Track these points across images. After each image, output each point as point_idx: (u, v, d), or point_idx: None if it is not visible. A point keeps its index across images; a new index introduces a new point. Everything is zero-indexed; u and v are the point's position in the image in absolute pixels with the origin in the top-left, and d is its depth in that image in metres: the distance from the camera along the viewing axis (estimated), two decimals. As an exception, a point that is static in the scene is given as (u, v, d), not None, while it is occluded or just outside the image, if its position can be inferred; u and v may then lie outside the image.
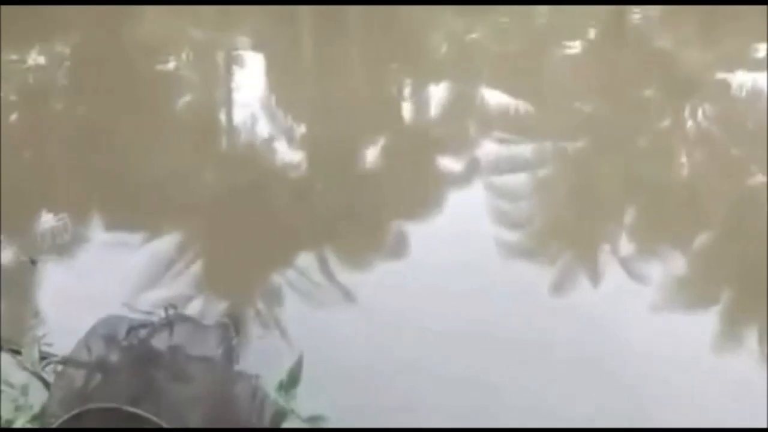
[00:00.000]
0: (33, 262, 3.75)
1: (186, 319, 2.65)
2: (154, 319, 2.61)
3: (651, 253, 4.22)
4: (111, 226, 4.49)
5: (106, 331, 2.49)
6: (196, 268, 4.04)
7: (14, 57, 7.55)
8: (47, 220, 4.48)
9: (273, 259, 4.14)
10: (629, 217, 4.76)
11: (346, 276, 4.00)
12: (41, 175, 5.08)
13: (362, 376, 3.24)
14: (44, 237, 4.31)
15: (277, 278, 3.97)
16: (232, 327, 2.97)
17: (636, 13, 9.51)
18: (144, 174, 5.05)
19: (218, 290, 3.86)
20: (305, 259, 4.11)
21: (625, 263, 4.12)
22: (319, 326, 3.58)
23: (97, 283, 3.78)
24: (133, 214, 4.58)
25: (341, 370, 3.22)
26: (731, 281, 4.05)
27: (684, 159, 5.60)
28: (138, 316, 2.64)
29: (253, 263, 4.11)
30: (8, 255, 4.12)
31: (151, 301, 3.58)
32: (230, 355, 2.59)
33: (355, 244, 4.37)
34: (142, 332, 2.48)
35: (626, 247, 4.30)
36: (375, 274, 4.13)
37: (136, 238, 4.32)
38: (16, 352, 2.76)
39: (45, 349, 2.76)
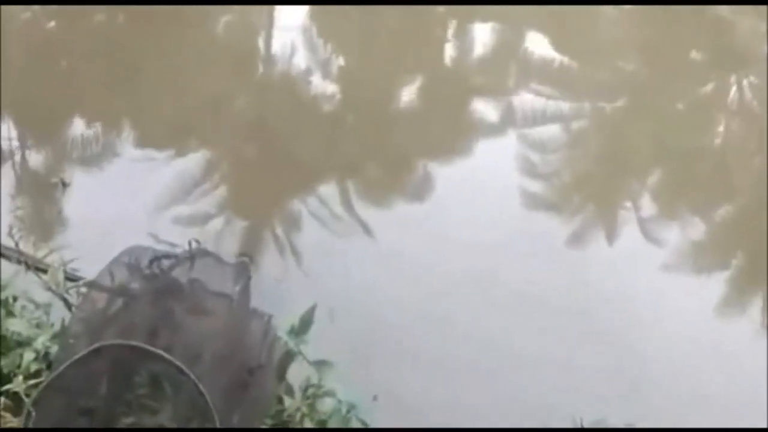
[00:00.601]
0: (64, 184, 3.81)
1: (207, 253, 2.69)
2: (178, 251, 2.65)
3: (671, 216, 4.18)
4: (140, 141, 4.54)
5: (130, 260, 2.54)
6: (221, 189, 4.10)
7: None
8: (79, 127, 4.54)
9: (296, 186, 4.17)
10: (655, 178, 4.70)
11: (366, 211, 4.02)
12: (76, 84, 5.13)
13: (371, 314, 3.28)
14: (74, 144, 4.38)
15: (298, 205, 4.01)
16: (250, 261, 3.02)
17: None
18: (178, 92, 5.08)
19: (239, 211, 3.92)
20: (328, 190, 4.14)
21: (643, 223, 4.09)
22: (335, 256, 3.63)
23: (123, 196, 3.85)
24: (163, 131, 4.63)
25: (352, 303, 3.27)
26: (744, 251, 4.01)
27: (720, 128, 5.47)
28: (162, 247, 2.69)
29: (276, 188, 4.15)
30: (38, 159, 4.20)
31: (176, 218, 3.67)
32: (247, 293, 2.64)
33: (380, 180, 4.39)
34: (165, 263, 2.53)
35: (648, 207, 4.26)
36: (396, 212, 4.15)
37: (164, 155, 4.37)
38: (42, 271, 2.82)
39: (70, 271, 2.82)
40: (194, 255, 2.64)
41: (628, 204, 4.28)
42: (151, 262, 2.55)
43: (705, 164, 4.86)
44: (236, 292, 2.56)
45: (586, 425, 2.68)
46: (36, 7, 6.41)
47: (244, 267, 2.87)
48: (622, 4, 6.94)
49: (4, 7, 5.91)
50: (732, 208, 4.38)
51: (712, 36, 6.91)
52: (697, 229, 4.12)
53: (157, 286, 2.47)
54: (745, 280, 3.76)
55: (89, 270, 2.73)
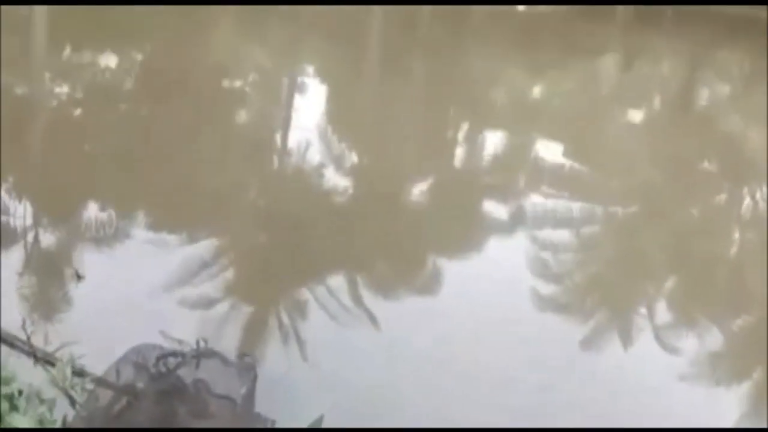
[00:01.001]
0: (79, 277, 3.79)
1: (214, 354, 2.66)
2: (185, 349, 2.62)
3: (687, 323, 4.09)
4: (153, 225, 4.55)
5: (137, 358, 2.52)
6: (228, 272, 4.06)
7: (87, 58, 7.87)
8: (93, 210, 4.57)
9: (304, 275, 4.13)
10: (670, 285, 4.63)
11: (374, 303, 3.95)
12: (95, 168, 5.22)
13: (375, 414, 3.15)
14: (88, 227, 4.39)
15: (305, 294, 3.95)
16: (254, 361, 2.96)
17: (705, 86, 9.43)
18: (194, 181, 5.14)
19: (245, 296, 3.86)
20: (336, 281, 4.09)
21: (658, 330, 3.98)
22: (340, 347, 3.54)
23: (131, 278, 3.81)
24: (176, 217, 4.65)
25: (356, 393, 3.16)
26: (763, 364, 3.87)
27: (735, 237, 5.45)
28: (170, 344, 2.66)
29: (284, 276, 4.11)
30: (50, 239, 4.20)
31: (182, 300, 3.62)
32: (252, 396, 2.60)
33: (389, 273, 4.34)
34: (171, 361, 2.51)
35: (662, 314, 4.17)
36: (404, 306, 4.07)
37: (175, 238, 4.37)
38: (50, 364, 2.78)
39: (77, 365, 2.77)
40: (201, 354, 2.60)
41: (643, 310, 4.19)
42: (157, 359, 2.52)
43: (721, 273, 4.81)
44: (241, 396, 2.51)
45: None
46: (64, 95, 6.66)
47: (250, 368, 2.81)
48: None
49: (34, 95, 6.13)
50: (751, 319, 4.28)
51: (723, 148, 7.04)
52: (714, 339, 4.01)
53: (162, 387, 2.45)
54: (766, 395, 3.61)
55: (94, 357, 2.69)
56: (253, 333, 3.55)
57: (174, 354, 2.55)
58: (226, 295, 3.81)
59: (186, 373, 2.49)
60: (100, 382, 2.50)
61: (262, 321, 3.67)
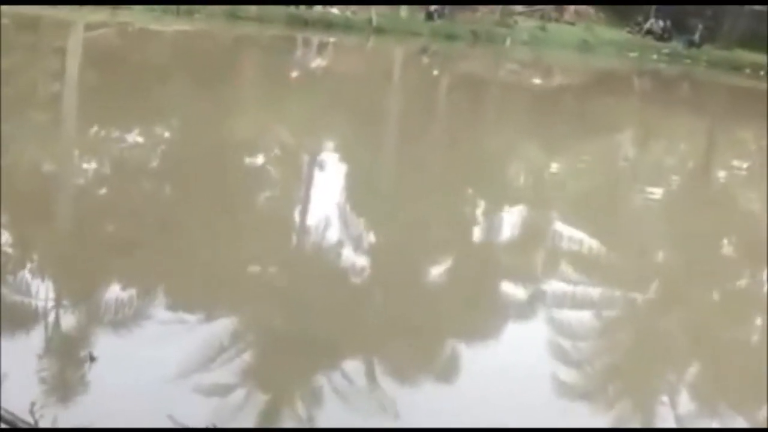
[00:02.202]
0: (92, 359, 3.80)
1: None
2: None
3: (711, 414, 3.98)
4: (172, 305, 4.58)
5: None
6: (245, 356, 4.05)
7: (116, 134, 8.08)
8: (114, 293, 4.61)
9: (321, 358, 4.10)
10: (692, 373, 4.53)
11: (391, 389, 3.91)
12: (117, 248, 5.29)
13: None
14: (108, 308, 4.42)
15: (321, 380, 3.92)
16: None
17: (723, 167, 9.45)
18: (213, 258, 5.19)
19: (261, 383, 3.84)
20: (353, 365, 4.06)
21: (681, 421, 3.88)
22: (356, 434, 3.48)
23: (149, 363, 3.81)
24: (194, 296, 4.67)
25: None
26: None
27: (758, 322, 5.35)
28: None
29: (301, 359, 4.08)
30: (71, 320, 4.22)
31: (196, 387, 3.60)
32: None
33: (406, 358, 4.30)
34: None
35: (685, 404, 4.07)
36: (421, 392, 4.02)
37: (194, 318, 4.38)
38: None
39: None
40: None
41: (665, 399, 4.10)
42: None
43: (743, 360, 4.70)
44: None
45: None
46: (90, 174, 6.80)
47: None
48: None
49: (61, 173, 6.27)
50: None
51: (742, 228, 6.99)
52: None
53: None
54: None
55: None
56: (268, 422, 3.51)
57: None
58: (242, 381, 3.79)
59: None
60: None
61: (277, 409, 3.63)
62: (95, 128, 8.28)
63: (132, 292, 4.60)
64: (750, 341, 5.04)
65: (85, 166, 7.05)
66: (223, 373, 3.82)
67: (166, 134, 8.76)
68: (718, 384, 4.37)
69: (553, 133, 10.46)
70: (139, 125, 8.45)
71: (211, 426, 2.90)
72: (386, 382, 3.97)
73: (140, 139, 8.15)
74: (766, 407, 4.14)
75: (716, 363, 4.59)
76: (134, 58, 13.02)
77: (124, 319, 4.31)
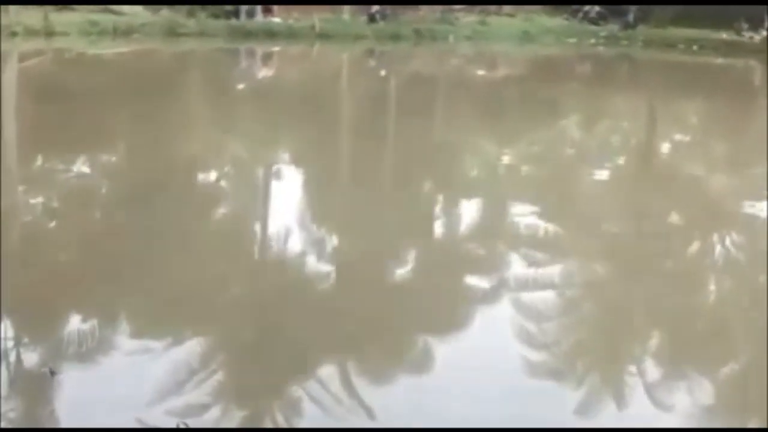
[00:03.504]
0: (52, 373, 3.74)
1: None
2: None
3: (678, 379, 4.11)
4: (137, 332, 4.53)
5: None
6: (218, 376, 4.03)
7: (60, 165, 7.94)
8: (75, 324, 4.54)
9: (294, 368, 4.11)
10: (655, 341, 4.67)
11: (367, 390, 3.94)
12: (74, 279, 5.21)
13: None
14: (70, 341, 4.35)
15: (297, 390, 3.93)
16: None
17: (666, 141, 9.73)
18: (175, 280, 5.15)
19: (237, 401, 3.83)
20: (327, 372, 4.08)
21: (650, 389, 4.00)
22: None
23: (118, 392, 3.77)
24: (159, 320, 4.63)
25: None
26: (759, 412, 3.89)
27: (712, 286, 5.53)
28: None
29: (275, 372, 4.08)
30: (33, 358, 4.15)
31: (170, 410, 3.57)
32: None
33: (379, 358, 4.33)
34: None
35: (652, 371, 4.19)
36: (397, 389, 4.06)
37: (160, 344, 4.34)
38: None
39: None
40: None
41: (633, 369, 4.22)
42: None
43: (702, 323, 4.86)
44: None
45: None
46: (38, 209, 6.67)
47: None
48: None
49: (8, 210, 6.13)
50: (738, 366, 4.32)
51: (689, 198, 7.21)
52: (706, 392, 4.03)
53: None
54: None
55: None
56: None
57: None
58: (216, 400, 3.77)
59: None
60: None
61: (255, 424, 3.63)
62: (39, 162, 8.13)
63: (94, 322, 4.54)
64: (706, 304, 5.21)
65: (32, 200, 6.91)
66: (197, 394, 3.80)
67: (114, 160, 8.63)
68: (682, 348, 4.51)
69: (502, 124, 10.63)
70: (85, 154, 8.31)
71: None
72: (362, 385, 4.00)
73: (87, 169, 8.02)
74: (726, 366, 4.30)
75: (677, 329, 4.73)
76: (74, 86, 12.79)
77: (88, 352, 4.25)
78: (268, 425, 3.63)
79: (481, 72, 15.64)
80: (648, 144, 9.60)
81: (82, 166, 8.02)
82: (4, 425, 3.45)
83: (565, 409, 3.80)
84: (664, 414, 3.80)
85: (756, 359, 4.36)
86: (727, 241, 6.23)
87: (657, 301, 5.07)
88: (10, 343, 4.22)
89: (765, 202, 7.04)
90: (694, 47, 19.01)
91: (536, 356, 4.32)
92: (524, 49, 18.91)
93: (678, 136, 9.93)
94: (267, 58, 18.07)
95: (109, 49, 16.67)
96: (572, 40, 20.62)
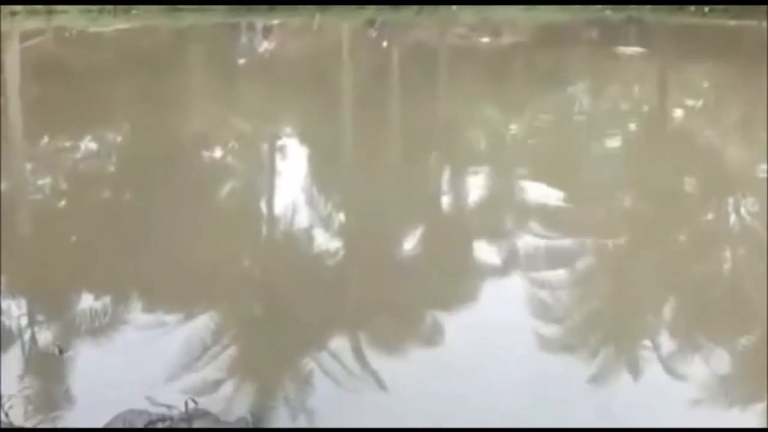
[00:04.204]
0: (61, 352, 3.76)
1: (205, 414, 2.62)
2: (174, 413, 2.58)
3: (692, 349, 4.08)
4: (149, 308, 4.53)
5: (123, 424, 2.47)
6: (230, 350, 4.04)
7: (67, 144, 7.92)
8: (88, 302, 4.55)
9: (306, 343, 4.11)
10: (669, 312, 4.64)
11: (379, 363, 3.94)
12: (85, 258, 5.21)
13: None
14: (83, 319, 4.36)
15: (309, 363, 3.93)
16: (252, 422, 2.93)
17: (677, 108, 9.60)
18: (185, 258, 5.14)
19: (250, 374, 3.83)
20: (338, 343, 4.07)
21: (665, 360, 3.98)
22: (349, 413, 3.51)
23: (132, 368, 3.78)
24: (171, 297, 4.63)
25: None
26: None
27: (727, 254, 5.48)
28: (157, 410, 2.62)
29: (287, 347, 4.08)
30: (47, 337, 4.16)
31: (184, 388, 3.58)
32: None
33: (390, 332, 4.32)
34: (160, 426, 2.47)
35: (667, 343, 4.17)
36: (408, 362, 4.06)
37: (172, 318, 4.35)
38: None
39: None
40: (191, 416, 2.56)
41: (647, 341, 4.19)
42: (146, 426, 2.47)
43: (717, 292, 4.82)
44: None
45: None
46: (47, 189, 6.67)
47: (243, 424, 2.77)
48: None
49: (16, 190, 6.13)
50: (753, 337, 4.29)
51: (702, 165, 7.13)
52: (722, 361, 4.01)
53: None
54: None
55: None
56: (261, 410, 3.50)
57: (162, 419, 2.52)
58: (230, 375, 3.78)
59: None
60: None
61: (269, 397, 3.63)
62: (45, 140, 8.10)
63: (106, 300, 4.54)
64: (721, 273, 5.16)
65: (39, 180, 6.90)
66: (211, 370, 3.80)
67: (119, 138, 8.59)
68: (696, 319, 4.48)
69: (508, 93, 10.51)
70: (91, 132, 8.28)
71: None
72: (373, 358, 4.00)
73: (94, 146, 7.99)
74: (742, 336, 4.27)
75: (692, 299, 4.70)
76: (77, 65, 12.70)
77: (101, 328, 4.26)
78: (280, 399, 3.64)
79: (485, 39, 15.43)
80: (659, 110, 9.48)
81: (89, 144, 8.00)
82: (21, 403, 3.46)
83: (579, 382, 3.79)
84: (679, 383, 3.78)
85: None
86: (742, 209, 6.17)
87: (671, 270, 5.03)
88: (24, 322, 4.24)
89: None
90: (705, 9, 18.66)
91: (549, 329, 4.30)
92: (529, 14, 18.64)
93: (690, 102, 9.78)
94: (267, 31, 17.89)
95: (110, 26, 16.52)
96: (578, 6, 20.30)
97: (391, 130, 8.85)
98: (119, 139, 8.58)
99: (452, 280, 4.91)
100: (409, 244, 5.54)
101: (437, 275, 4.99)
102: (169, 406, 2.91)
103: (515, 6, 18.51)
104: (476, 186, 6.82)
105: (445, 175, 7.38)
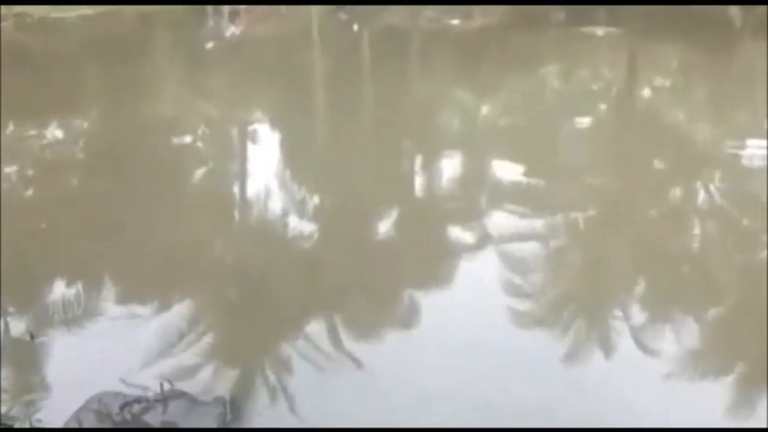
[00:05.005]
0: (32, 337, 3.73)
1: (181, 394, 2.63)
2: (150, 394, 2.58)
3: (663, 323, 4.16)
4: (123, 297, 4.49)
5: (99, 407, 2.47)
6: (207, 337, 4.02)
7: (33, 132, 7.76)
8: (60, 289, 4.49)
9: (283, 328, 4.11)
10: (640, 286, 4.72)
11: (355, 345, 3.95)
12: (55, 248, 5.13)
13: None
14: (56, 309, 4.31)
15: (287, 348, 3.93)
16: (229, 402, 2.94)
17: (646, 87, 9.70)
18: (157, 245, 5.09)
19: (228, 360, 3.82)
20: (315, 327, 4.08)
21: (636, 332, 4.06)
22: (328, 396, 3.52)
23: (109, 357, 3.74)
24: (145, 284, 4.59)
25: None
26: (744, 352, 3.97)
27: (696, 230, 5.58)
28: (134, 392, 2.61)
29: (264, 332, 4.08)
30: (20, 327, 4.10)
31: (161, 373, 3.55)
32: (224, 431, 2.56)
33: (366, 314, 4.34)
34: (136, 408, 2.47)
35: (638, 316, 4.24)
36: (385, 343, 4.08)
37: (147, 309, 4.31)
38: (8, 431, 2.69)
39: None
40: (167, 397, 2.57)
41: (619, 314, 4.26)
42: (121, 408, 2.47)
43: (686, 268, 4.92)
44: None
45: None
46: (13, 177, 6.53)
47: (221, 404, 2.78)
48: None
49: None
50: (723, 309, 4.38)
51: (671, 144, 7.22)
52: (692, 335, 4.10)
53: None
54: (750, 382, 3.70)
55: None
56: (241, 395, 3.50)
57: (138, 400, 2.53)
58: (208, 360, 3.76)
59: (153, 417, 2.43)
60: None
61: (248, 382, 3.63)
62: (11, 128, 7.93)
63: (79, 289, 4.49)
64: (689, 247, 5.26)
65: (6, 169, 6.76)
66: (188, 356, 3.79)
67: (86, 125, 8.45)
68: (665, 291, 4.56)
69: (480, 75, 10.52)
70: (58, 120, 8.12)
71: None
72: (350, 340, 4.01)
73: (60, 134, 7.85)
74: (711, 309, 4.36)
75: (661, 272, 4.78)
76: (39, 51, 12.44)
77: (75, 318, 4.21)
78: (260, 384, 3.63)
79: (455, 22, 15.41)
80: (629, 90, 9.57)
81: (55, 131, 7.85)
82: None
83: (552, 356, 3.85)
84: (650, 357, 3.85)
85: (742, 302, 4.43)
86: (710, 186, 6.27)
87: (640, 247, 5.11)
88: (-5, 314, 4.17)
89: (747, 145, 7.10)
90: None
91: (523, 306, 4.35)
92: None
93: (659, 81, 9.88)
94: (234, 15, 17.66)
95: (72, 11, 16.18)
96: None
97: (363, 114, 8.82)
98: (86, 125, 8.43)
99: (427, 261, 4.94)
100: (384, 226, 5.55)
101: (412, 257, 5.01)
102: (144, 388, 2.90)
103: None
104: (449, 168, 6.84)
105: (419, 158, 7.38)
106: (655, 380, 3.64)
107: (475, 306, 4.32)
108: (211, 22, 17.28)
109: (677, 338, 4.02)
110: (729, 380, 3.71)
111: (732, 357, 3.90)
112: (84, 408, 2.49)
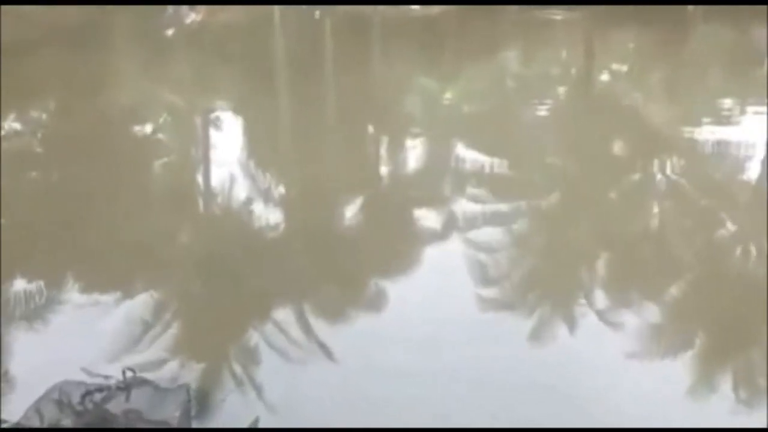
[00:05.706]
0: None
1: (144, 382, 2.61)
2: (111, 383, 2.56)
3: (625, 302, 4.26)
4: (86, 288, 4.44)
5: (60, 396, 2.44)
6: (173, 329, 4.00)
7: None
8: (21, 284, 4.42)
9: (250, 317, 4.10)
10: (603, 268, 4.81)
11: (324, 331, 3.97)
12: (15, 241, 5.04)
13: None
14: (17, 302, 4.24)
15: (254, 337, 3.93)
16: (192, 389, 2.93)
17: (604, 72, 9.84)
18: (120, 236, 5.03)
19: (194, 352, 3.81)
20: (283, 317, 4.08)
21: (601, 315, 4.15)
22: (296, 384, 3.54)
23: (71, 350, 3.70)
24: (107, 276, 4.54)
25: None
26: (704, 328, 4.09)
27: (655, 211, 5.70)
28: (96, 380, 2.59)
29: (229, 321, 4.07)
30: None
31: (126, 365, 3.52)
32: (188, 417, 2.56)
33: (334, 302, 4.36)
34: (97, 396, 2.45)
35: (601, 297, 4.34)
36: (353, 328, 4.11)
37: (110, 298, 4.27)
38: None
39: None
40: (130, 385, 2.56)
41: (582, 300, 4.35)
42: (83, 397, 2.45)
43: (647, 248, 5.03)
44: (176, 417, 2.47)
45: None
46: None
47: (184, 391, 2.78)
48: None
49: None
50: (681, 286, 4.50)
51: (629, 127, 7.36)
52: (652, 312, 4.20)
53: (89, 421, 2.38)
54: (711, 357, 3.81)
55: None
56: (208, 388, 3.50)
57: (100, 389, 2.51)
58: (174, 354, 3.75)
59: (115, 406, 2.44)
60: (20, 428, 2.42)
61: (215, 375, 3.62)
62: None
63: (40, 282, 4.42)
64: (650, 230, 5.38)
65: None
66: (153, 351, 3.76)
67: (45, 117, 8.28)
68: (628, 275, 4.66)
69: (442, 61, 10.56)
70: (14, 111, 7.94)
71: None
72: (318, 328, 4.03)
73: (17, 126, 7.69)
74: (672, 286, 4.47)
75: (623, 256, 4.88)
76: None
77: (37, 311, 4.16)
78: (227, 376, 3.63)
79: (416, 8, 15.42)
80: (587, 74, 9.70)
81: (12, 124, 7.68)
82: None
83: (519, 339, 3.92)
84: (613, 336, 3.95)
85: (699, 278, 4.56)
86: (668, 167, 6.41)
87: (601, 230, 5.21)
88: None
89: (703, 127, 7.26)
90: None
91: (489, 290, 4.41)
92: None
93: (616, 65, 10.03)
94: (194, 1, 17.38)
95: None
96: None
97: (327, 101, 8.79)
98: (44, 117, 8.26)
99: (393, 247, 4.97)
100: (350, 213, 5.56)
101: (379, 243, 5.04)
102: (106, 376, 2.87)
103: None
104: (414, 154, 6.87)
105: (383, 144, 7.40)
106: (619, 358, 3.74)
107: (441, 291, 4.37)
108: (170, 9, 16.99)
109: (639, 316, 4.12)
110: (689, 355, 3.83)
111: (692, 333, 4.02)
112: (44, 398, 2.46)
